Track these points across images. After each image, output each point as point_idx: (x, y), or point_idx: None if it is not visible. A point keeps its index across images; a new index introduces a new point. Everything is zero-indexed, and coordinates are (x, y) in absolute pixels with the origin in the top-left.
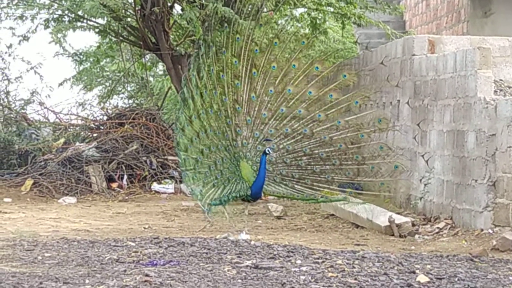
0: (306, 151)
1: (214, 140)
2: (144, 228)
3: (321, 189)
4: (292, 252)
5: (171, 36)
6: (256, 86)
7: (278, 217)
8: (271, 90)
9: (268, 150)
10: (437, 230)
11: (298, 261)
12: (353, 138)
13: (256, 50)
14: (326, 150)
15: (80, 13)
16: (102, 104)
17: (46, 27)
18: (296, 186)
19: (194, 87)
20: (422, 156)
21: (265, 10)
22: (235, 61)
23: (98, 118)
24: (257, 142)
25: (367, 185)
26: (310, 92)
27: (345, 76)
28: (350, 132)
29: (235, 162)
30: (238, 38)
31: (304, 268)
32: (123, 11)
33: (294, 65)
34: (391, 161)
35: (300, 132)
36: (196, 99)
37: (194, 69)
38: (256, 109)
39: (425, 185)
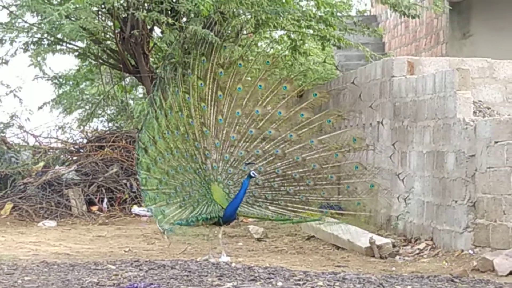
0: (278, 172)
1: (181, 162)
2: (125, 251)
3: (296, 209)
4: (273, 274)
5: (151, 59)
6: (222, 109)
7: (259, 239)
8: (238, 112)
9: (253, 173)
10: (417, 251)
11: (279, 283)
12: (327, 158)
13: (221, 72)
14: (300, 170)
15: (59, 36)
16: (82, 127)
17: (26, 50)
18: (270, 207)
19: (158, 108)
20: (399, 176)
21: (245, 32)
22: (201, 84)
23: (78, 141)
24: (227, 165)
25: (344, 205)
26: (280, 112)
27: (315, 94)
28: (324, 152)
29: (206, 185)
30: (204, 60)
31: None
32: (103, 34)
33: (260, 85)
34: (367, 180)
35: (271, 154)
36: (160, 120)
37: (159, 90)
38: (224, 132)
39: (405, 206)
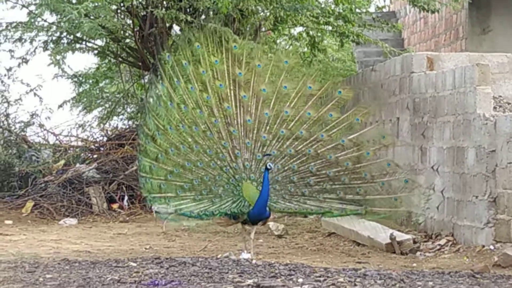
0: (312, 170)
1: (203, 157)
2: (145, 248)
3: (333, 204)
4: (293, 270)
5: None
6: (250, 110)
7: (279, 236)
8: (266, 113)
9: (269, 165)
10: (438, 247)
11: (300, 280)
12: (359, 156)
13: (240, 73)
14: (334, 170)
15: (78, 34)
16: (102, 126)
17: (45, 49)
18: (307, 202)
19: (166, 97)
20: (419, 172)
21: (263, 29)
22: (220, 85)
23: (98, 140)
24: (261, 164)
25: (379, 202)
26: (309, 113)
27: (340, 92)
28: (355, 151)
29: (235, 182)
30: (216, 61)
31: (306, 287)
32: (122, 32)
33: (285, 86)
34: (400, 177)
35: (304, 153)
36: (171, 110)
37: (164, 79)
38: (255, 132)
39: (426, 202)
